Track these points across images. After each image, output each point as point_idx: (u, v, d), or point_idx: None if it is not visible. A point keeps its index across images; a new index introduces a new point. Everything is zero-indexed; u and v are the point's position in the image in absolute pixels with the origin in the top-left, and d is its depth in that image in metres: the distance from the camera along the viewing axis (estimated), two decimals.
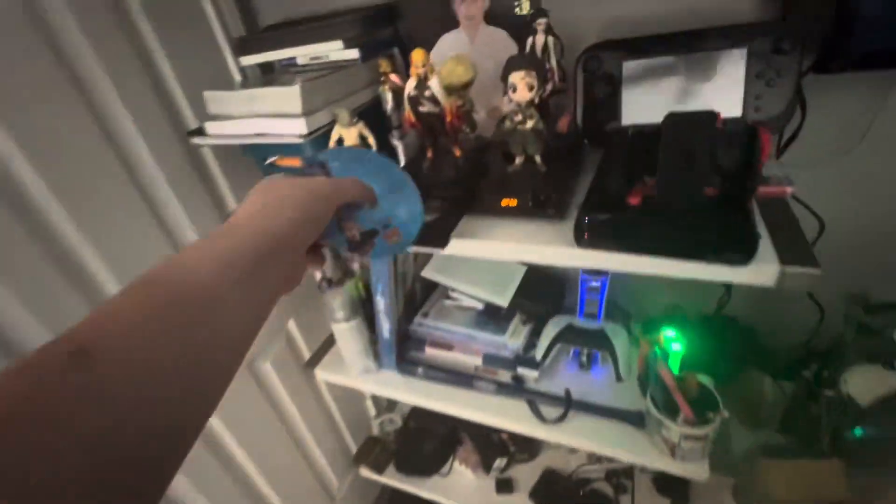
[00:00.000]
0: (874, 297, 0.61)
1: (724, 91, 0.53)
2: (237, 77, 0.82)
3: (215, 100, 0.65)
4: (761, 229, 0.45)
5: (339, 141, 0.63)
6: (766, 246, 0.44)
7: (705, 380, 0.70)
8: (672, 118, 0.39)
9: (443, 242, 0.49)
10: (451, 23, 0.70)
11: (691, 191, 0.43)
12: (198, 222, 0.78)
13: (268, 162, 0.70)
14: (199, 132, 0.66)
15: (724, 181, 0.45)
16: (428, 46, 0.73)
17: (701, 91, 0.53)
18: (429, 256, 0.91)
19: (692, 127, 0.39)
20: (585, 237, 0.48)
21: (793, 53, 0.50)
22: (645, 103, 0.55)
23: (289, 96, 0.58)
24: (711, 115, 0.39)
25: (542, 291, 0.86)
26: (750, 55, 0.51)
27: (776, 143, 0.60)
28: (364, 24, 0.68)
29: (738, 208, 0.43)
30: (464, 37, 0.69)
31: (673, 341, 0.72)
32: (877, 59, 0.50)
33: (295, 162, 0.68)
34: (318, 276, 0.89)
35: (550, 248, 0.52)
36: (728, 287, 0.74)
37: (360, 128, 0.62)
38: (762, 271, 0.43)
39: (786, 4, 0.54)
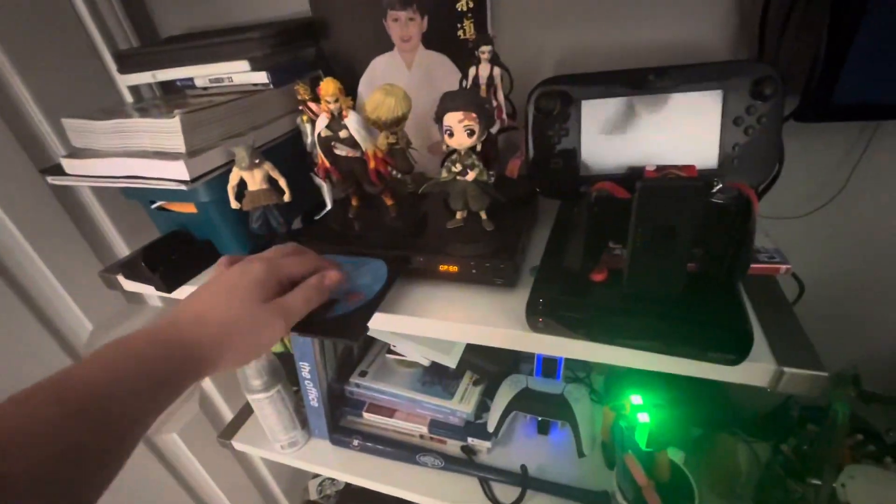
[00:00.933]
0: (862, 368, 0.55)
1: (697, 138, 0.45)
2: (129, 99, 0.68)
3: (77, 130, 0.51)
4: (752, 314, 0.37)
5: (241, 184, 0.50)
6: (756, 336, 0.35)
7: (676, 455, 0.62)
8: (648, 190, 0.30)
9: (354, 333, 0.38)
10: (386, 43, 0.59)
11: (670, 272, 0.34)
12: (72, 282, 0.62)
13: (155, 206, 0.57)
14: (58, 170, 0.51)
15: (705, 255, 0.36)
16: (359, 69, 0.62)
17: (672, 137, 0.45)
18: None
19: (675, 200, 0.30)
20: (540, 322, 0.38)
21: (774, 98, 0.42)
22: (608, 149, 0.47)
23: (167, 130, 0.46)
24: (700, 189, 0.30)
25: (493, 354, 0.76)
26: (726, 98, 0.43)
27: None
28: (277, 42, 0.56)
29: (726, 293, 0.35)
30: (399, 61, 0.59)
31: (640, 410, 0.64)
32: (864, 110, 0.44)
33: (189, 208, 0.55)
34: None
35: (498, 330, 0.41)
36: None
37: (267, 169, 0.50)
38: (753, 370, 0.34)
39: (762, 43, 0.47)
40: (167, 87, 0.67)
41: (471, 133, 0.40)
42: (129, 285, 0.57)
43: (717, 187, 0.32)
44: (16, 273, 0.58)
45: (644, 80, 0.45)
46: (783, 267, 0.38)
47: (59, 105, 0.59)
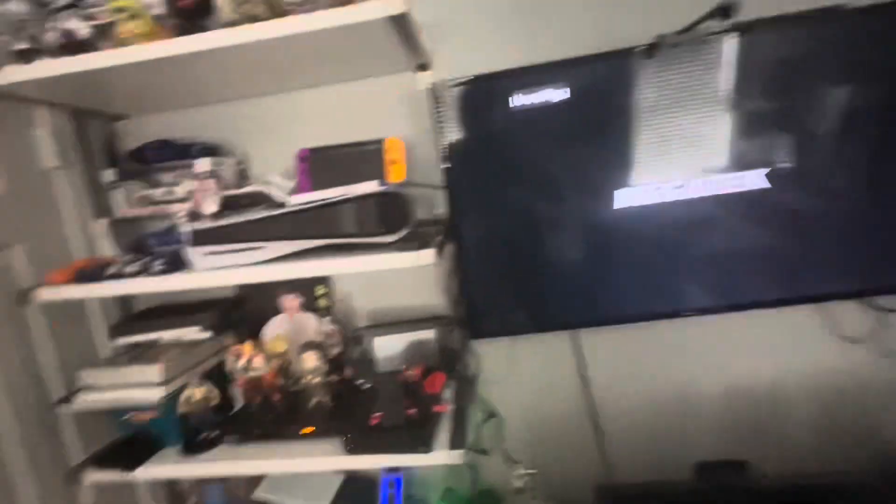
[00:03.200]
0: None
1: (428, 353, 0.97)
2: (105, 352, 1.06)
3: (88, 375, 0.88)
4: (447, 430, 0.83)
5: (189, 398, 0.89)
6: (445, 439, 0.81)
7: None
8: (379, 380, 0.79)
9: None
10: (278, 310, 1.09)
11: (398, 416, 0.80)
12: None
13: (124, 418, 0.91)
14: (66, 400, 0.86)
15: (419, 406, 0.83)
16: (264, 323, 1.11)
17: (419, 350, 0.97)
18: (260, 478, 1.09)
19: (391, 384, 0.79)
20: (351, 447, 0.80)
21: (456, 330, 0.98)
22: (391, 360, 0.97)
23: (151, 373, 0.86)
24: (396, 377, 0.79)
25: (357, 495, 1.09)
26: (437, 333, 0.98)
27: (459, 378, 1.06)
28: (220, 312, 1.03)
29: (427, 422, 0.81)
30: (287, 319, 1.09)
31: None
32: (500, 330, 1.01)
33: (150, 415, 0.91)
34: None
35: (331, 458, 0.81)
36: (473, 467, 1.09)
37: (208, 388, 0.91)
38: (445, 456, 0.79)
39: (453, 305, 1.07)
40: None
41: (316, 361, 0.87)
42: (95, 475, 0.87)
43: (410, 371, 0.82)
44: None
45: (404, 327, 0.99)
46: (447, 407, 0.86)
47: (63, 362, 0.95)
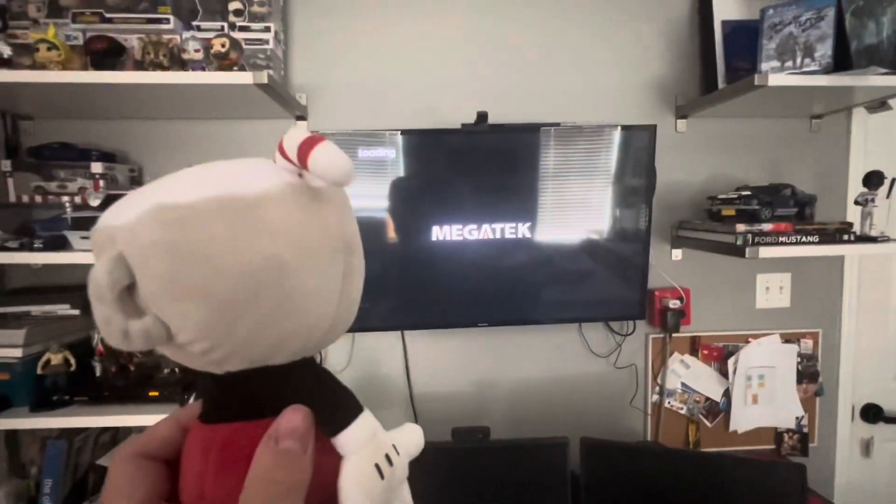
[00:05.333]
0: None
1: None
2: None
3: None
4: None
5: (48, 361, 1.04)
6: None
7: None
8: None
9: None
10: None
11: None
12: None
13: None
14: None
15: None
16: None
17: None
18: (110, 445, 1.21)
19: None
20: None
21: None
22: None
23: (14, 336, 1.00)
24: None
25: None
26: None
27: None
28: None
29: None
30: None
31: None
32: None
33: (3, 376, 1.03)
34: None
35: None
36: None
37: (66, 354, 1.05)
38: None
39: None
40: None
41: None
42: None
43: None
44: None
45: None
46: None
47: None
